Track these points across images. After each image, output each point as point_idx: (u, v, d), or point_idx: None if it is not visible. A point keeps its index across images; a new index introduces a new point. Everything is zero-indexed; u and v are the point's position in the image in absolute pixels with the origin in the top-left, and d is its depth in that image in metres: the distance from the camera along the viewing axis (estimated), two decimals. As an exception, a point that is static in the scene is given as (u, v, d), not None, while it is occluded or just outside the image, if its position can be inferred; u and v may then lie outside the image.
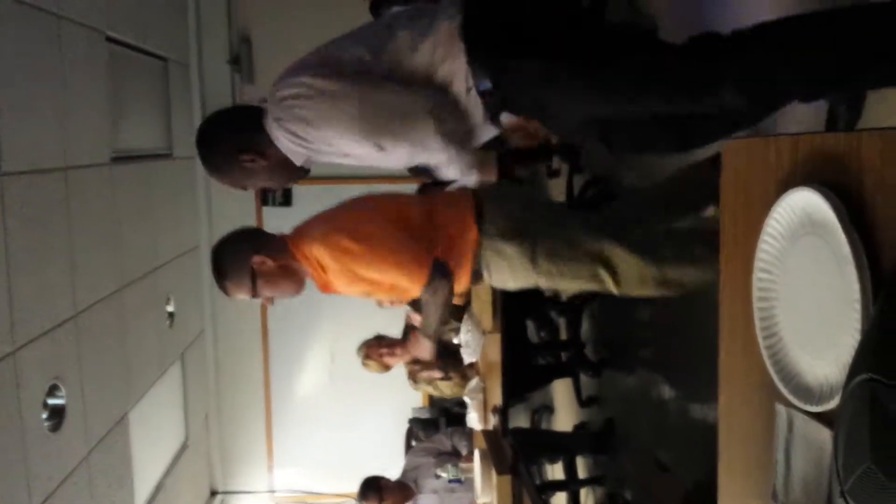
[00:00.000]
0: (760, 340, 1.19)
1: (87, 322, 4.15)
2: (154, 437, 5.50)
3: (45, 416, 3.69)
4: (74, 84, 4.07)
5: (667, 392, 3.73)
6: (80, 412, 4.01)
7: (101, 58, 4.46)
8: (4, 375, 3.32)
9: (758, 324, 1.20)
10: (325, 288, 2.62)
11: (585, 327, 4.84)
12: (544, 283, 2.51)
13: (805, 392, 1.08)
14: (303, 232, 2.56)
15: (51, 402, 3.76)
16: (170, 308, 5.82)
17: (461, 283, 2.58)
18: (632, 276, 2.45)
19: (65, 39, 3.96)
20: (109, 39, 4.57)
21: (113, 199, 4.62)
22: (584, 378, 4.84)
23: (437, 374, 4.48)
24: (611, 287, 2.49)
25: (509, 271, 2.48)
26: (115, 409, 4.62)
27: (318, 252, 2.45)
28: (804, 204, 1.12)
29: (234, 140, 2.13)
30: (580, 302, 4.81)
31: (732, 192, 1.39)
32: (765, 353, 1.17)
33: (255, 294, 2.53)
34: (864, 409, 0.82)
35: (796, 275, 1.15)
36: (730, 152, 1.42)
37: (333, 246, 2.44)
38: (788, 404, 1.11)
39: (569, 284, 2.52)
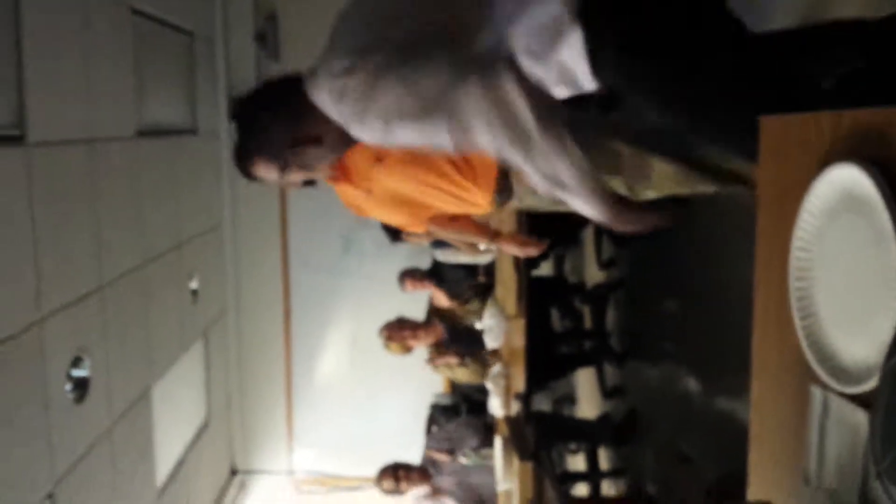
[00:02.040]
0: (797, 320, 1.15)
1: (112, 295, 4.17)
2: (176, 414, 5.53)
3: (69, 387, 3.71)
4: (99, 56, 4.07)
5: (692, 384, 3.68)
6: (104, 385, 4.04)
7: (126, 30, 4.46)
8: (30, 345, 3.34)
9: (794, 303, 1.16)
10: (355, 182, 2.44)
11: (610, 316, 4.79)
12: None
13: (841, 373, 1.04)
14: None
15: (75, 373, 3.78)
16: (193, 285, 5.84)
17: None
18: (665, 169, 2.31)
19: (90, 10, 3.96)
20: (135, 12, 4.57)
21: (137, 173, 4.63)
22: (607, 368, 4.79)
23: (452, 359, 4.46)
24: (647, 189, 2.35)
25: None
26: (139, 383, 4.65)
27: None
28: (845, 180, 1.08)
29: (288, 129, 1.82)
30: (605, 289, 4.77)
31: (770, 170, 1.35)
32: (801, 334, 1.13)
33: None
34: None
35: (835, 254, 1.11)
36: (768, 129, 1.38)
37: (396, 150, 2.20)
38: (824, 386, 1.07)
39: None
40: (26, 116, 3.33)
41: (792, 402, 1.17)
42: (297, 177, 1.95)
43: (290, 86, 1.76)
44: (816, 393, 1.09)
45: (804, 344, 1.12)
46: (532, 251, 3.09)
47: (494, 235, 3.01)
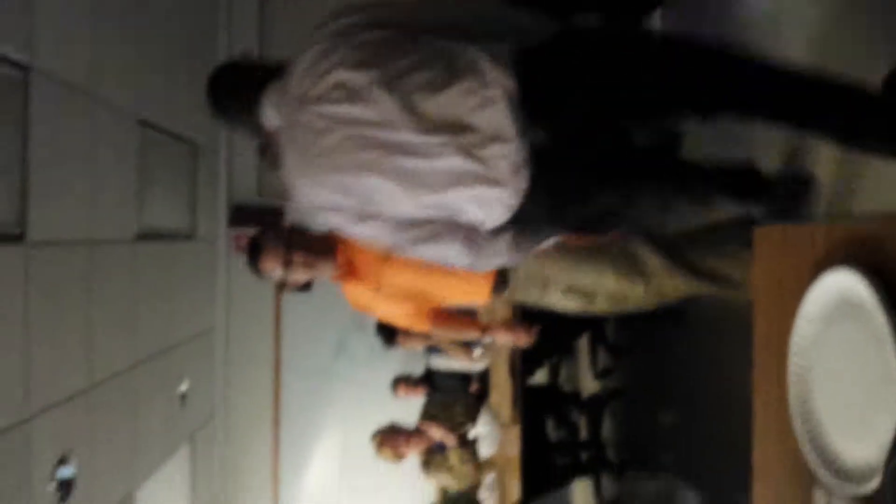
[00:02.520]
0: (797, 425, 1.15)
1: (101, 396, 4.11)
2: (158, 521, 5.37)
3: (52, 487, 3.63)
4: (104, 162, 4.15)
5: (691, 497, 3.61)
6: (88, 486, 3.94)
7: (132, 139, 4.57)
8: (17, 443, 3.28)
9: (794, 409, 1.17)
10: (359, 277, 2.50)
11: (607, 426, 4.73)
12: (565, 279, 2.44)
13: (844, 475, 1.04)
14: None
15: (60, 473, 3.70)
16: (182, 388, 5.77)
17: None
18: (659, 268, 2.38)
19: (97, 119, 4.06)
20: (142, 123, 4.70)
21: (134, 276, 4.65)
22: (604, 479, 4.70)
23: (450, 440, 4.35)
24: (638, 284, 2.41)
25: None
26: (122, 486, 4.53)
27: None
28: (840, 285, 1.11)
29: None
30: (601, 399, 4.73)
31: (765, 279, 1.37)
32: (802, 438, 1.13)
33: (288, 263, 2.31)
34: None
35: (832, 357, 1.13)
36: (762, 239, 1.41)
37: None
38: (828, 490, 1.06)
39: (592, 280, 2.44)
40: (28, 215, 3.37)
41: (795, 507, 1.16)
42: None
43: None
44: (820, 498, 1.08)
45: (806, 448, 1.12)
46: (523, 337, 3.15)
47: (486, 327, 3.14)
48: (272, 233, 2.34)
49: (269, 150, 2.04)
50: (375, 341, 4.55)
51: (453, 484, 4.52)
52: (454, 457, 4.39)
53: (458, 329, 3.04)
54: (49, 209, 3.56)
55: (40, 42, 3.42)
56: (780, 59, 1.80)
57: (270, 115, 1.91)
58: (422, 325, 2.85)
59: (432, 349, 4.44)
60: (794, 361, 1.19)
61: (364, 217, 1.81)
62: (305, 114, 1.79)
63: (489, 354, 4.16)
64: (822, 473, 1.08)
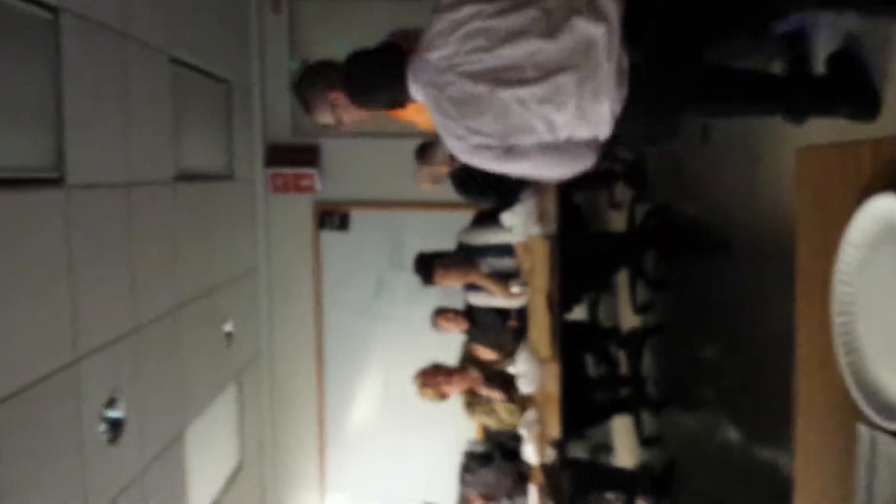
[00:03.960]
0: (841, 357, 1.10)
1: (146, 337, 4.19)
2: (209, 457, 5.51)
3: (103, 427, 3.72)
4: (139, 102, 4.15)
5: (733, 433, 3.58)
6: (138, 426, 4.04)
7: (164, 78, 4.56)
8: (66, 385, 3.36)
9: (838, 339, 1.12)
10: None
11: (647, 362, 4.70)
12: None
13: (889, 410, 1.00)
14: None
15: (109, 414, 3.79)
16: (227, 328, 5.86)
17: None
18: None
19: (130, 58, 4.05)
20: (173, 60, 4.67)
21: (174, 217, 4.69)
22: (644, 416, 4.69)
23: (497, 394, 4.39)
24: None
25: None
26: (172, 425, 4.65)
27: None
28: (887, 210, 1.05)
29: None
30: (641, 335, 4.69)
31: (808, 203, 1.31)
32: (846, 370, 1.09)
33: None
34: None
35: (877, 286, 1.08)
36: (803, 162, 1.35)
37: None
38: (871, 424, 1.02)
39: None
40: (66, 159, 3.39)
41: (838, 442, 1.12)
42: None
43: (395, 60, 2.21)
44: (864, 432, 1.04)
45: (849, 381, 1.08)
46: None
47: None
48: (313, 86, 2.45)
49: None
50: (413, 279, 4.55)
51: (495, 424, 4.56)
52: (502, 409, 4.42)
53: None
54: (86, 152, 3.57)
55: (69, -19, 3.40)
56: None
57: (414, 89, 2.19)
58: None
59: (470, 286, 4.42)
60: (839, 289, 1.13)
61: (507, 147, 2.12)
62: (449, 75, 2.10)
63: (527, 290, 4.13)
64: (866, 407, 1.04)
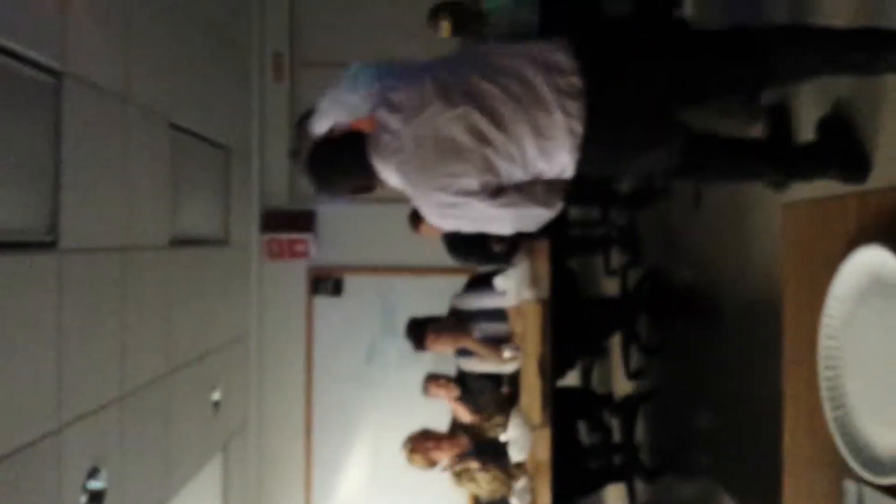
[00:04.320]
0: (828, 412, 1.09)
1: (133, 405, 4.12)
2: (193, 531, 5.37)
3: (84, 499, 3.62)
4: (137, 167, 4.17)
5: (727, 501, 3.52)
6: (119, 498, 3.94)
7: (164, 143, 4.60)
8: (47, 454, 3.28)
9: (824, 394, 1.11)
10: None
11: (640, 429, 4.65)
12: None
13: (876, 464, 0.98)
14: None
15: (91, 485, 3.70)
16: (215, 396, 5.78)
17: None
18: None
19: (130, 123, 4.09)
20: (173, 126, 4.73)
21: (168, 283, 4.67)
22: (638, 484, 4.61)
23: (473, 464, 4.31)
24: None
25: None
26: (155, 496, 4.53)
27: None
28: (872, 262, 1.05)
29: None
30: (635, 401, 4.65)
31: (794, 259, 1.32)
32: (832, 426, 1.08)
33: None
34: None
35: (864, 340, 1.07)
36: (789, 216, 1.36)
37: None
38: (858, 479, 1.01)
39: None
40: (60, 222, 3.39)
41: (826, 499, 1.10)
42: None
43: (356, 145, 2.22)
44: (851, 488, 1.02)
45: (836, 436, 1.06)
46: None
47: None
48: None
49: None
50: (405, 345, 4.52)
51: (484, 495, 4.47)
52: (480, 478, 4.34)
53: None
54: (82, 215, 3.58)
55: (72, 48, 3.45)
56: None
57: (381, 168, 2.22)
58: None
59: (462, 352, 4.39)
60: (825, 344, 1.13)
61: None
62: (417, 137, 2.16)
63: (519, 356, 4.11)
64: (853, 462, 1.02)
